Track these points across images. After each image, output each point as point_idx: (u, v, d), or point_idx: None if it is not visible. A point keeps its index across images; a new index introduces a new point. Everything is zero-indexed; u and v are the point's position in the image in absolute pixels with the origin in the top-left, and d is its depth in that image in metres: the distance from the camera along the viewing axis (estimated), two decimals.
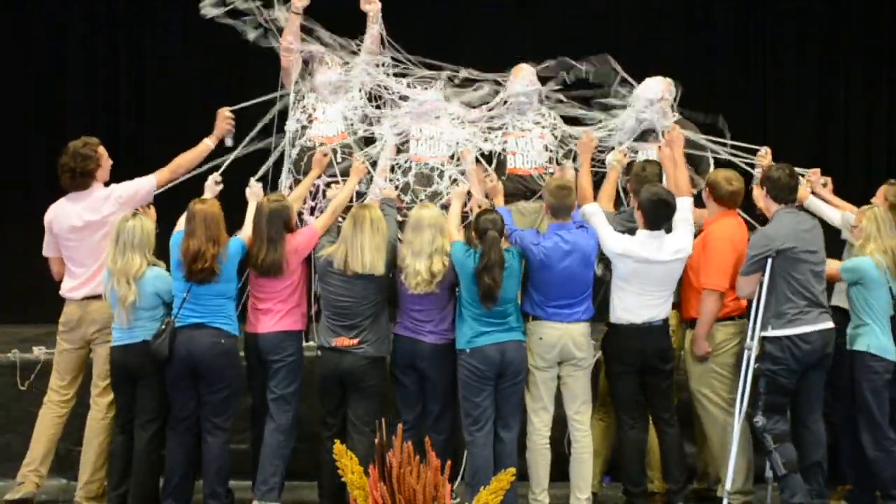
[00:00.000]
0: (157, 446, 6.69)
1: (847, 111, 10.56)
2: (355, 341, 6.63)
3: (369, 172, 7.24)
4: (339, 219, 6.93)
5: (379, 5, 7.53)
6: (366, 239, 6.58)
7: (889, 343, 6.62)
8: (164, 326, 6.54)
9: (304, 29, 7.50)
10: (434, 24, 10.37)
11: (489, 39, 10.35)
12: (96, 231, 6.83)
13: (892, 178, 7.19)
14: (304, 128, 7.40)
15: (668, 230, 6.65)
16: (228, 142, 7.27)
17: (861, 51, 10.52)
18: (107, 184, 6.98)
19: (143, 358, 6.56)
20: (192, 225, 6.51)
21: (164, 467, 6.70)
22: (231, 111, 7.31)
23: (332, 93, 7.46)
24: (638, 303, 6.62)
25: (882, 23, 10.49)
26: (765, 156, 7.23)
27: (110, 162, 7.00)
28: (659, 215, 6.60)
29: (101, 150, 6.94)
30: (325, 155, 7.20)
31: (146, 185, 6.96)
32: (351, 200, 7.09)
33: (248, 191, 6.97)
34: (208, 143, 7.22)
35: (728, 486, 6.56)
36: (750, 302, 6.71)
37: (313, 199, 7.30)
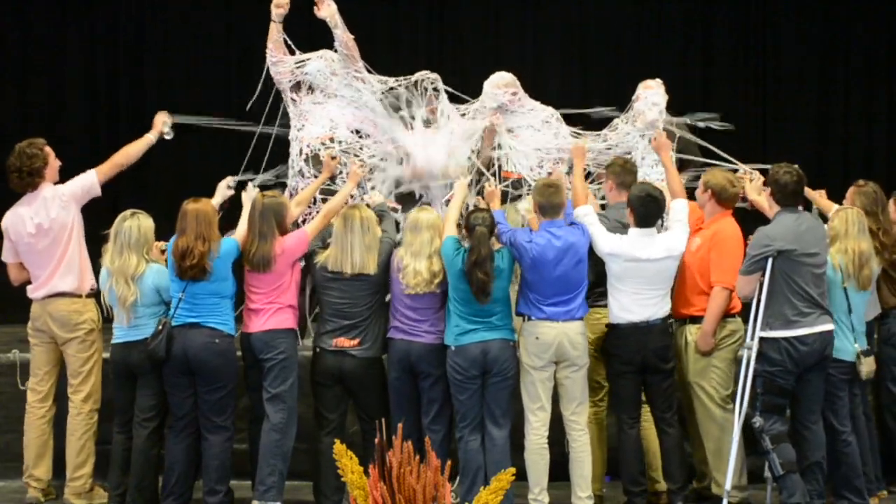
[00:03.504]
0: (155, 444, 6.70)
1: (847, 111, 10.57)
2: (356, 342, 6.65)
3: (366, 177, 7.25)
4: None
5: (333, 8, 7.31)
6: (356, 238, 6.62)
7: (844, 344, 6.64)
8: (160, 327, 6.56)
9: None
10: (432, 26, 10.40)
11: (489, 42, 10.37)
12: (46, 235, 6.91)
13: (893, 180, 7.20)
14: (299, 130, 7.37)
15: (661, 229, 6.68)
16: (166, 130, 7.31)
17: (861, 51, 10.53)
18: (60, 184, 7.02)
19: (145, 355, 6.58)
20: (183, 223, 6.55)
21: (164, 466, 6.72)
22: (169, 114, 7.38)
23: (324, 80, 7.40)
24: (634, 301, 6.63)
25: (882, 23, 10.50)
26: (750, 178, 7.18)
27: (58, 162, 7.05)
28: (649, 212, 6.62)
29: (48, 149, 7.00)
30: (334, 158, 7.17)
31: (86, 181, 7.03)
32: None
33: (244, 194, 6.97)
34: (150, 138, 7.28)
35: (728, 484, 6.58)
36: (749, 300, 6.75)
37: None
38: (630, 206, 6.67)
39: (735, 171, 7.22)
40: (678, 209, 6.76)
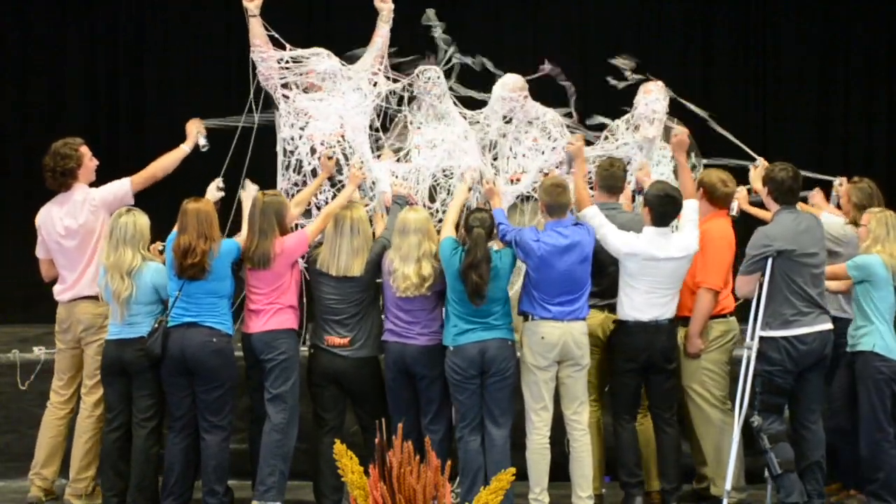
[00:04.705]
0: (154, 444, 6.69)
1: (847, 111, 10.57)
2: (346, 341, 6.66)
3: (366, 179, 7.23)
4: None
5: (392, 5, 7.49)
6: (344, 241, 6.64)
7: (894, 343, 6.63)
8: (157, 325, 6.57)
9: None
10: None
11: (489, 42, 10.35)
12: (74, 238, 6.88)
13: (893, 180, 7.20)
14: (301, 128, 7.33)
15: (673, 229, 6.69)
16: (202, 142, 7.21)
17: (861, 51, 10.53)
18: (94, 185, 6.99)
19: (139, 354, 6.58)
20: (184, 222, 6.55)
21: (164, 466, 6.71)
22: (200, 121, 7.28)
23: (332, 83, 7.40)
24: (646, 301, 6.63)
25: (882, 23, 10.50)
26: (758, 167, 7.19)
27: (95, 162, 7.02)
28: (666, 212, 6.61)
29: (83, 149, 6.96)
30: (331, 158, 7.16)
31: (120, 189, 6.96)
32: None
33: (241, 192, 6.97)
34: (184, 149, 7.18)
35: (728, 484, 6.58)
36: (738, 300, 6.77)
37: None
38: (647, 204, 6.65)
39: (752, 160, 7.25)
40: (690, 209, 6.74)
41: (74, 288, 6.90)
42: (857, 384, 6.63)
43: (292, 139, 7.29)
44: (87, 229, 6.88)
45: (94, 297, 6.87)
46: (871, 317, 6.61)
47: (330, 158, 7.14)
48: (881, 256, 6.62)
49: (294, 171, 7.26)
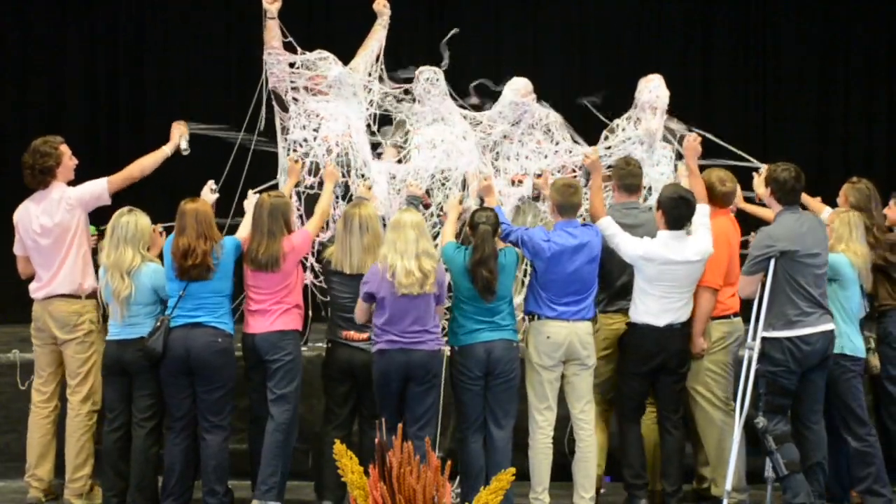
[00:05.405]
0: (154, 444, 6.69)
1: (847, 111, 10.57)
2: (364, 336, 6.64)
3: (343, 175, 7.20)
4: None
5: (390, 11, 7.54)
6: (354, 239, 6.62)
7: (860, 342, 6.71)
8: (158, 324, 6.57)
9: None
10: (432, 26, 10.39)
11: (488, 42, 10.36)
12: (50, 236, 6.90)
13: (893, 180, 7.21)
14: (315, 130, 7.28)
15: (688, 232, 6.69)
16: (183, 146, 7.20)
17: (861, 51, 10.54)
18: (72, 184, 7.00)
19: (139, 354, 6.58)
20: (182, 223, 6.54)
21: (164, 466, 6.71)
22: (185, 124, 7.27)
23: (338, 89, 7.41)
24: (661, 306, 6.64)
25: (882, 23, 10.51)
26: (762, 174, 7.19)
27: (74, 161, 7.03)
28: (681, 214, 6.60)
29: (63, 148, 6.97)
30: (297, 162, 7.14)
31: (96, 188, 6.97)
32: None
33: (245, 202, 6.97)
34: (166, 151, 7.18)
35: (728, 485, 6.58)
36: (743, 301, 6.76)
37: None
38: (661, 207, 6.65)
39: (755, 169, 7.24)
40: (701, 213, 6.73)
41: (49, 286, 6.91)
42: (831, 385, 6.66)
43: (305, 141, 7.29)
44: (62, 228, 6.89)
45: (69, 296, 6.89)
46: (838, 318, 6.64)
47: (296, 162, 7.12)
48: (847, 255, 6.64)
49: (310, 173, 7.24)
